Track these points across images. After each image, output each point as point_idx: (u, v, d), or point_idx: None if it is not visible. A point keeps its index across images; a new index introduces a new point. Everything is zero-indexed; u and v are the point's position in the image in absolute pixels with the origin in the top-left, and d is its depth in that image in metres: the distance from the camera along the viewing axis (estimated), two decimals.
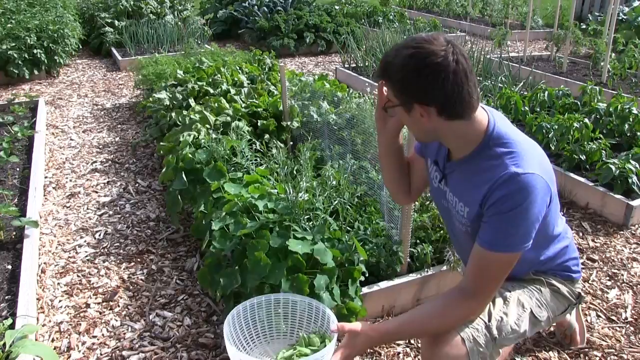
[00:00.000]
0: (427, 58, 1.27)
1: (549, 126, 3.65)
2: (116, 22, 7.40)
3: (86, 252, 2.80)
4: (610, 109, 3.86)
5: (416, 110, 1.35)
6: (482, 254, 1.38)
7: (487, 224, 1.37)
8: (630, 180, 3.04)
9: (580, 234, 2.96)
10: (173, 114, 3.48)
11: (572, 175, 3.31)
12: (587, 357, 2.07)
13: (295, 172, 2.54)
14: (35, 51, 5.84)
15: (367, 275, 2.17)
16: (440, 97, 1.30)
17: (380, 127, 1.62)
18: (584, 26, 7.53)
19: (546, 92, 4.34)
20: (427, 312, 1.44)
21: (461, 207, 1.48)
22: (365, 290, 2.16)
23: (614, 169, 3.09)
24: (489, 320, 1.48)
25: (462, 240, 1.59)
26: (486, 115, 1.42)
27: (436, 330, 1.44)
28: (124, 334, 2.21)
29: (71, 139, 4.38)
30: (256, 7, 8.24)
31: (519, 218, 1.32)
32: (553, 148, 3.60)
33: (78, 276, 2.59)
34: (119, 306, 2.38)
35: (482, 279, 1.41)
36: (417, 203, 2.51)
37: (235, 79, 3.97)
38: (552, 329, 2.18)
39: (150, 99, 4.01)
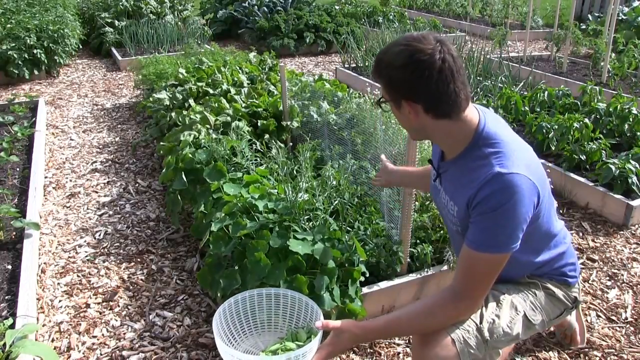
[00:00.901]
0: (413, 55, 1.29)
1: (549, 126, 3.65)
2: (116, 22, 7.41)
3: (86, 252, 2.80)
4: (610, 109, 3.86)
5: (404, 107, 1.37)
6: (469, 254, 1.38)
7: (473, 224, 1.37)
8: (630, 180, 3.04)
9: (580, 234, 2.96)
10: (173, 114, 3.48)
11: (572, 175, 3.31)
12: (587, 357, 2.07)
13: (295, 172, 2.54)
14: (35, 51, 5.85)
15: (367, 275, 2.17)
16: (425, 95, 1.32)
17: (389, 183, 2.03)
18: (583, 26, 7.53)
19: (546, 92, 4.34)
20: (415, 311, 1.44)
21: (452, 206, 1.49)
22: (365, 290, 2.16)
23: (614, 169, 3.09)
24: (481, 322, 1.47)
25: (455, 239, 1.60)
26: (477, 114, 1.42)
27: (423, 329, 1.44)
28: (124, 334, 2.21)
29: (71, 139, 4.38)
30: (256, 7, 8.24)
31: (504, 218, 1.31)
32: (553, 148, 3.60)
33: (78, 276, 2.59)
34: (119, 306, 2.38)
35: (470, 279, 1.40)
36: (417, 203, 2.51)
37: (235, 78, 3.97)
38: (552, 329, 2.18)
39: (150, 99, 4.01)
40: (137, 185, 3.56)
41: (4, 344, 1.83)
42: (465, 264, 1.40)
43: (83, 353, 2.11)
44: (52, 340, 2.18)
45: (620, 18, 7.39)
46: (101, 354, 2.10)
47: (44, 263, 2.69)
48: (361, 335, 1.46)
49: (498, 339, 1.49)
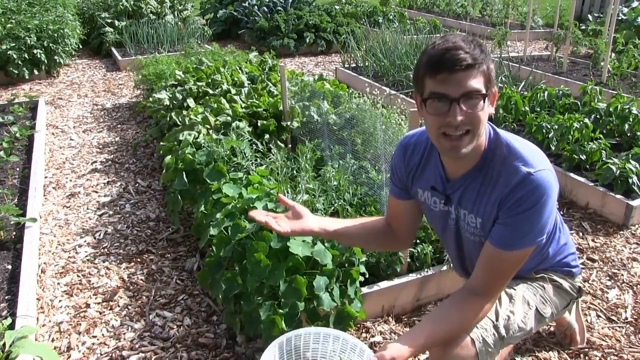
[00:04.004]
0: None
1: (549, 126, 3.65)
2: (116, 22, 7.40)
3: (86, 252, 2.80)
4: (610, 109, 3.86)
5: (491, 97, 1.37)
6: (496, 254, 1.38)
7: (502, 225, 1.37)
8: (630, 180, 3.04)
9: (580, 234, 2.96)
10: (173, 114, 3.48)
11: (572, 175, 3.31)
12: (587, 357, 2.07)
13: (295, 172, 2.54)
14: (35, 51, 5.85)
15: (367, 275, 2.17)
16: None
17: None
18: (583, 26, 7.52)
19: (546, 92, 4.34)
20: (447, 319, 1.41)
21: (471, 219, 1.47)
22: (365, 290, 2.16)
23: (614, 169, 3.09)
24: (497, 320, 1.48)
25: (471, 251, 1.54)
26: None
27: (456, 334, 1.42)
28: (124, 334, 2.21)
29: (71, 139, 4.38)
30: (256, 7, 8.24)
31: (536, 215, 1.33)
32: (553, 148, 3.60)
33: (78, 276, 2.60)
34: (119, 306, 2.38)
35: (495, 277, 1.41)
36: None
37: (235, 79, 3.97)
38: (552, 329, 2.19)
39: (150, 99, 4.01)
40: (137, 185, 3.56)
41: (4, 344, 1.83)
42: (489, 263, 1.40)
43: (83, 353, 2.11)
44: (52, 340, 2.18)
45: (620, 18, 7.39)
46: (101, 354, 2.10)
47: (44, 263, 2.69)
48: (411, 354, 1.38)
49: (513, 334, 1.50)
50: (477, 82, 1.29)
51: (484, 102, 1.31)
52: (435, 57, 1.30)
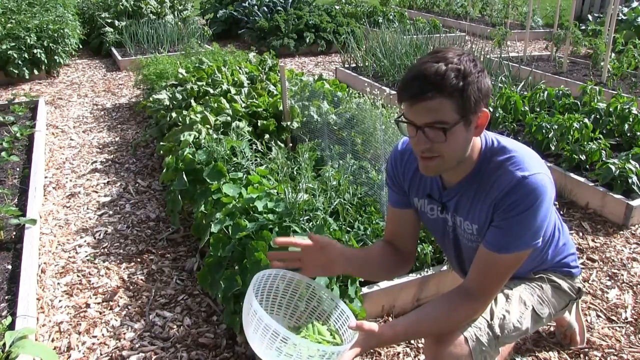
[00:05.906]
0: (476, 59, 1.29)
1: (549, 126, 3.65)
2: (116, 22, 7.41)
3: (86, 252, 2.80)
4: (610, 109, 3.86)
5: (474, 122, 1.31)
6: (490, 257, 1.38)
7: (496, 229, 1.37)
8: (630, 180, 3.04)
9: (580, 234, 2.96)
10: (173, 114, 3.48)
11: (572, 175, 3.31)
12: (587, 357, 2.07)
13: (295, 172, 2.55)
14: (35, 51, 5.85)
15: None
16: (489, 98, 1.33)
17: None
18: (583, 26, 7.52)
19: (546, 92, 4.34)
20: (433, 314, 1.43)
21: (467, 226, 1.47)
22: (365, 290, 2.16)
23: (614, 169, 3.09)
24: (491, 319, 1.48)
25: (471, 257, 1.52)
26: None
27: (440, 331, 1.43)
28: (124, 334, 2.21)
29: (71, 139, 4.38)
30: (256, 7, 8.24)
31: (530, 219, 1.32)
32: (553, 148, 3.60)
33: (78, 276, 2.60)
34: (119, 306, 2.38)
35: (489, 280, 1.41)
36: None
37: (235, 78, 3.97)
38: (552, 329, 2.19)
39: (150, 99, 4.01)
40: (137, 185, 3.56)
41: (4, 344, 1.83)
42: (483, 266, 1.40)
43: (83, 353, 2.11)
44: (52, 340, 2.18)
45: (620, 18, 7.39)
46: (101, 354, 2.10)
47: (44, 263, 2.69)
48: (389, 339, 1.41)
49: (508, 334, 1.50)
50: (441, 113, 1.25)
51: (445, 133, 1.27)
52: (402, 84, 1.29)
